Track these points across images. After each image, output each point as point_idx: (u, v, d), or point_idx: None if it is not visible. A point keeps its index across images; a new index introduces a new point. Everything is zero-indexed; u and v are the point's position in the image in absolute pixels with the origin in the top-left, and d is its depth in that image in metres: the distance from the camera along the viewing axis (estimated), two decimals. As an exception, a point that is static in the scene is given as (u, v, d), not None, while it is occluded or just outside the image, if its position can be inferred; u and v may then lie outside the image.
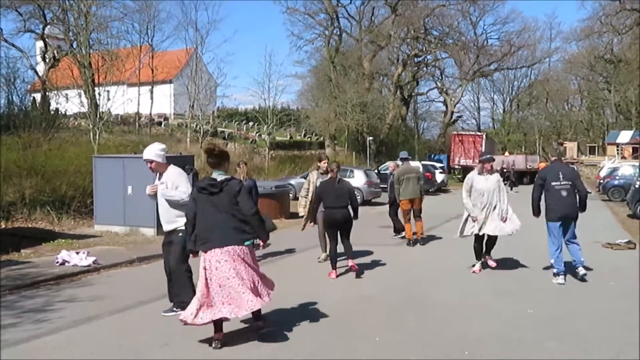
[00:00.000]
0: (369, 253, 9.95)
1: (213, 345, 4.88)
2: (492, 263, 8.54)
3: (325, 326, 5.68)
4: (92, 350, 4.95)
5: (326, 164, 8.76)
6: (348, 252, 8.04)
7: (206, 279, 4.86)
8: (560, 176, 7.55)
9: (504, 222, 8.19)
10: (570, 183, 7.50)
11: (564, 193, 7.49)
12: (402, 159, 11.45)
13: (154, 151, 5.90)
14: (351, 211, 7.96)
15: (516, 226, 8.30)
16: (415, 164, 26.22)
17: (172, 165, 6.05)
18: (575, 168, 7.57)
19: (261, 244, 5.49)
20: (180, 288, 5.90)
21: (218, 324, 4.94)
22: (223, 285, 4.81)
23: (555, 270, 7.57)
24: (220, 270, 4.82)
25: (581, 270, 7.54)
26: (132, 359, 4.73)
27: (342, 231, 7.97)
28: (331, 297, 6.85)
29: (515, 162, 37.06)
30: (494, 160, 8.71)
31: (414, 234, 11.08)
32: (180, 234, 5.72)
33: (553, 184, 7.57)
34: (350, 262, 8.02)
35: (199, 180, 6.15)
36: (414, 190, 10.92)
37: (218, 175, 5.05)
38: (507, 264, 9.03)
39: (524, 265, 8.76)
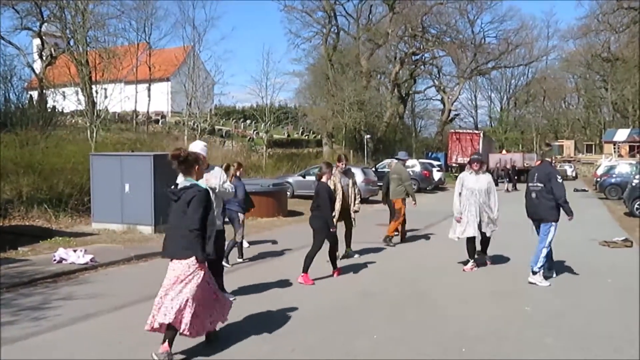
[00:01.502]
0: (367, 251, 9.96)
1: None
2: (487, 262, 8.68)
3: (324, 323, 5.68)
4: (90, 348, 4.95)
5: (344, 164, 9.30)
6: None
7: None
8: (535, 178, 7.62)
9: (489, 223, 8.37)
10: (541, 185, 7.47)
11: (533, 195, 7.59)
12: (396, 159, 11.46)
13: (200, 146, 6.07)
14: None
15: (494, 227, 8.48)
16: (412, 162, 26.37)
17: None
18: (554, 170, 7.56)
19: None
20: None
21: (165, 335, 4.61)
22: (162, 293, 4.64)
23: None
24: (167, 278, 4.64)
25: (530, 274, 7.47)
26: (130, 357, 4.73)
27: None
28: (329, 294, 6.86)
29: (513, 160, 37.11)
30: (482, 160, 8.64)
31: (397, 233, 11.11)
32: None
33: (529, 184, 7.73)
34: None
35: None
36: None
37: (184, 182, 4.70)
38: (505, 261, 9.06)
39: (522, 263, 8.76)
